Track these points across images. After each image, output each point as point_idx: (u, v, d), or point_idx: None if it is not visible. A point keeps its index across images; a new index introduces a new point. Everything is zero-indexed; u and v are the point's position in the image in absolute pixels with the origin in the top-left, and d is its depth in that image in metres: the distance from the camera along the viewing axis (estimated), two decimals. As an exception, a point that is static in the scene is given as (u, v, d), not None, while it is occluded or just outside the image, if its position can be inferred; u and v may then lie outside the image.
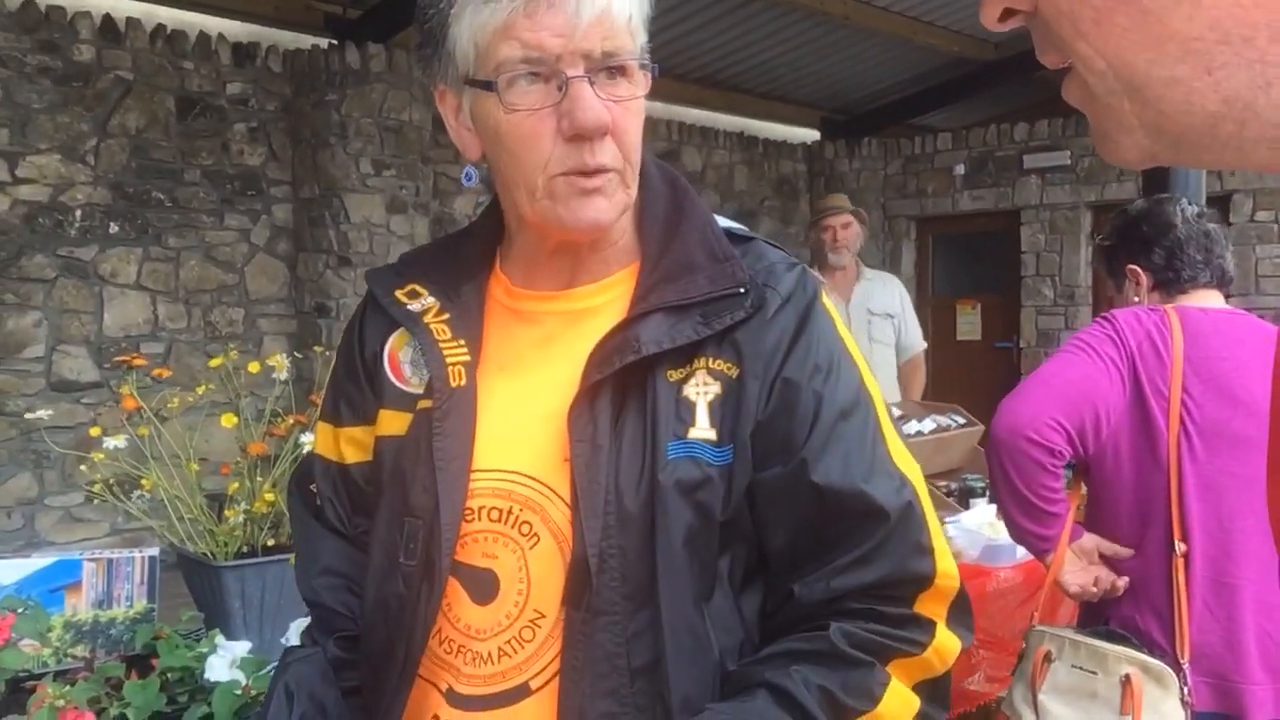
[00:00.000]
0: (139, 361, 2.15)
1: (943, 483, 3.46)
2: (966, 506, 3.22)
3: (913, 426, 3.64)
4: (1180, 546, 1.88)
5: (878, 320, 4.45)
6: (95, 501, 1.91)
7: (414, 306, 1.05)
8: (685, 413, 0.94)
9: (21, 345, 5.38)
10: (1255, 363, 1.93)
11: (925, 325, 9.35)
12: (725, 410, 0.94)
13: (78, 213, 5.53)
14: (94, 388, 5.55)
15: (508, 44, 0.91)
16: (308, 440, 1.78)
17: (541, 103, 0.92)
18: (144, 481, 1.91)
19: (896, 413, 3.80)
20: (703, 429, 0.93)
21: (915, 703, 0.93)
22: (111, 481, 1.94)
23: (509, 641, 0.97)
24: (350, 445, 1.09)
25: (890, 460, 0.96)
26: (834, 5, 7.06)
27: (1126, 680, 1.83)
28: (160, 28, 5.79)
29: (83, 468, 2.01)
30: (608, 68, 0.93)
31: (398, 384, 1.05)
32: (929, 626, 0.94)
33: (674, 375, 0.95)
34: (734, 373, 0.95)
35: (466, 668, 0.98)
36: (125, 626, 1.70)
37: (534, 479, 0.97)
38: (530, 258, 1.04)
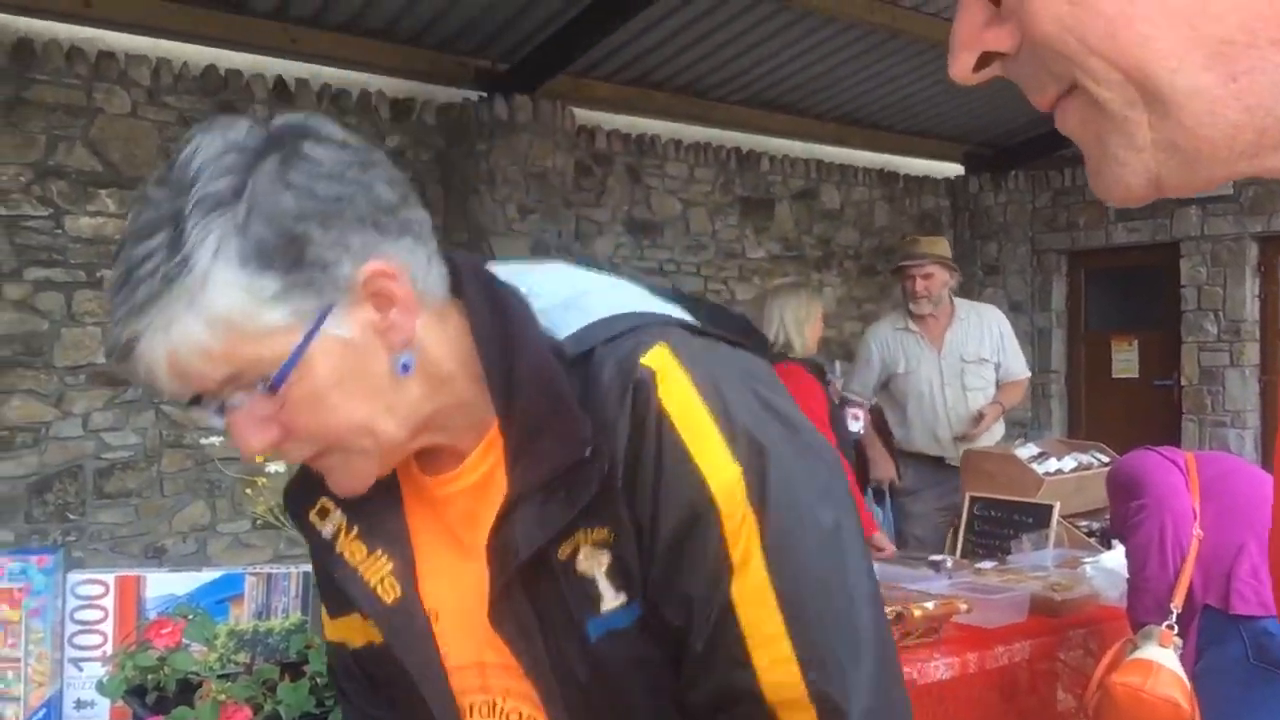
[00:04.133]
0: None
1: (1084, 522, 3.36)
2: (1108, 546, 3.12)
3: (1052, 465, 3.56)
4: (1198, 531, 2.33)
5: (971, 367, 4.34)
6: (258, 523, 2.08)
7: (326, 530, 1.01)
8: (590, 589, 0.90)
9: (199, 383, 5.82)
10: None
11: (1077, 362, 9.10)
12: (621, 572, 0.89)
13: (250, 260, 5.95)
14: (262, 422, 5.94)
15: None
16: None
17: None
18: (300, 504, 2.07)
19: (1035, 450, 3.71)
20: (609, 600, 0.90)
21: None
22: (274, 505, 2.10)
23: None
24: (347, 631, 1.08)
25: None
26: (976, 39, 6.98)
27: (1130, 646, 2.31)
28: (326, 87, 6.21)
29: (248, 491, 2.20)
30: (243, 389, 0.86)
31: None
32: None
33: (563, 552, 0.90)
34: (611, 539, 0.89)
35: None
36: (281, 636, 1.85)
37: (505, 666, 0.95)
38: None
